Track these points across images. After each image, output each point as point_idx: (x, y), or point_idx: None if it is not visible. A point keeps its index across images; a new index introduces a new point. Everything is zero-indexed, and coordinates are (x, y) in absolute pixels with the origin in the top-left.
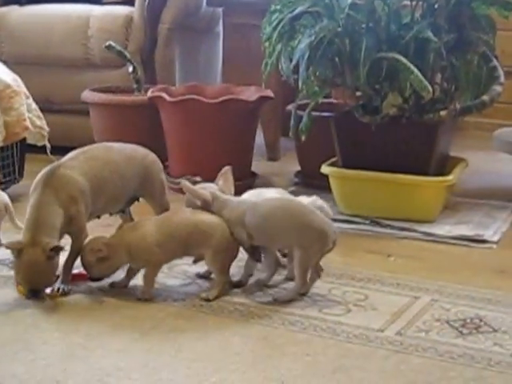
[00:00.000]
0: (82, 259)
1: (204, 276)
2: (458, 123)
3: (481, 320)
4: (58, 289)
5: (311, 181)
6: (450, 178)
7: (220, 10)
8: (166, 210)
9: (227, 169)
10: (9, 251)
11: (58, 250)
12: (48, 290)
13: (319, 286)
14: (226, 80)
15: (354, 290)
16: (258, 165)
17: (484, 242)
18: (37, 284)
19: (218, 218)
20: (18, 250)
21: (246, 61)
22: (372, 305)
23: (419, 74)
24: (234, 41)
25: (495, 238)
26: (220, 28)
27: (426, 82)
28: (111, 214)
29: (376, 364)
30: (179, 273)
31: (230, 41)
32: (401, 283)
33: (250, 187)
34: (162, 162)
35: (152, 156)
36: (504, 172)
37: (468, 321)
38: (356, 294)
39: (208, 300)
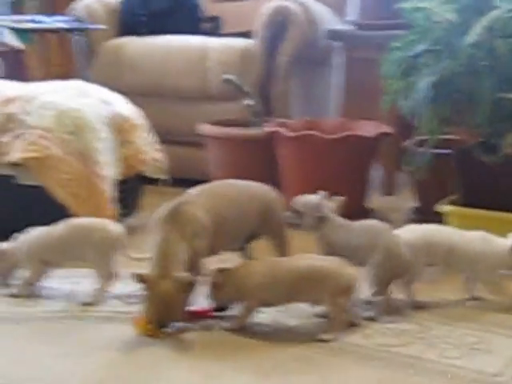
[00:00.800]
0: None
1: (322, 316)
2: None
3: None
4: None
5: (429, 218)
6: None
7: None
8: (286, 248)
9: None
10: (131, 285)
11: (189, 284)
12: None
13: (437, 328)
14: (346, 113)
15: (471, 333)
16: (374, 199)
17: None
18: (167, 317)
19: (333, 261)
20: (150, 282)
21: (365, 95)
22: (490, 348)
23: None
24: (353, 75)
25: None
26: (336, 60)
27: None
28: (230, 251)
29: None
30: (297, 312)
31: (350, 74)
32: None
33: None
34: None
35: (274, 194)
36: None
37: None
38: (473, 337)
39: (326, 341)
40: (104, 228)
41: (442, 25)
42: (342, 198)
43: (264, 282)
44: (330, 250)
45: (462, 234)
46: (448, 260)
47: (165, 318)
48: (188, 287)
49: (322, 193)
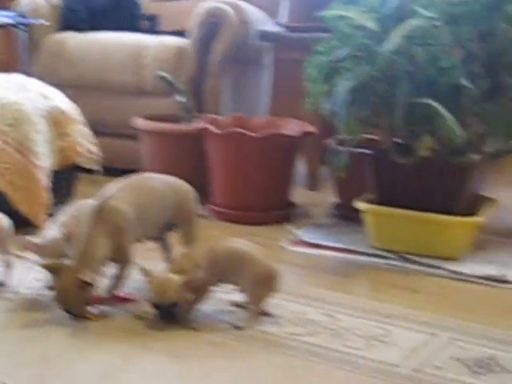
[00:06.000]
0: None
1: (239, 305)
2: (492, 165)
3: (495, 361)
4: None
5: (349, 213)
6: (477, 218)
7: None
8: (194, 240)
9: None
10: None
11: (87, 284)
12: (94, 311)
13: (344, 320)
14: (273, 112)
15: (378, 325)
16: (298, 194)
17: (508, 282)
18: (63, 305)
19: (258, 249)
20: (56, 270)
21: (292, 95)
22: (393, 340)
23: (451, 120)
24: (281, 75)
25: None
26: (267, 61)
27: (457, 128)
28: (149, 239)
29: None
30: (215, 300)
31: (279, 75)
32: (423, 320)
33: (289, 217)
34: (205, 190)
35: (188, 186)
36: None
37: (483, 361)
38: (379, 329)
39: (240, 328)
40: None
41: (363, 32)
42: None
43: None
44: None
45: None
46: None
47: (60, 304)
48: (87, 286)
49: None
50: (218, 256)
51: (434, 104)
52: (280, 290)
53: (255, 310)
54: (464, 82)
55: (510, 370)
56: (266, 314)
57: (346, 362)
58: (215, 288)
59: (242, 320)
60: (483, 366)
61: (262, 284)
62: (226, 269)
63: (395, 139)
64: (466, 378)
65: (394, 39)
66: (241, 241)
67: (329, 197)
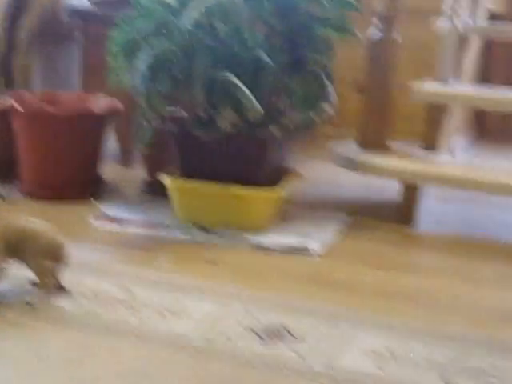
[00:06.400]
0: None
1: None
2: (296, 138)
3: (285, 328)
4: None
5: (159, 189)
6: (277, 191)
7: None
8: None
9: None
10: None
11: None
12: None
13: (140, 294)
14: (85, 88)
15: (172, 297)
16: (110, 171)
17: (308, 252)
18: None
19: (41, 224)
20: None
21: (104, 70)
22: (186, 312)
23: (248, 93)
24: (93, 51)
25: (319, 249)
26: (80, 37)
27: (255, 102)
28: None
29: (178, 368)
30: (12, 278)
31: (90, 51)
32: (218, 291)
33: (99, 193)
34: (16, 168)
35: None
36: (340, 183)
37: (275, 329)
38: (173, 301)
39: (32, 305)
40: None
41: (163, 7)
42: None
43: None
44: None
45: None
46: None
47: None
48: None
49: None
50: (6, 234)
51: (231, 77)
52: (70, 264)
53: (45, 284)
54: (264, 56)
55: (301, 338)
56: (63, 290)
57: (138, 335)
58: (10, 266)
59: (36, 297)
60: (275, 334)
61: (45, 256)
62: (15, 246)
63: (198, 114)
64: (257, 347)
65: (192, 15)
66: (28, 218)
67: (141, 173)
